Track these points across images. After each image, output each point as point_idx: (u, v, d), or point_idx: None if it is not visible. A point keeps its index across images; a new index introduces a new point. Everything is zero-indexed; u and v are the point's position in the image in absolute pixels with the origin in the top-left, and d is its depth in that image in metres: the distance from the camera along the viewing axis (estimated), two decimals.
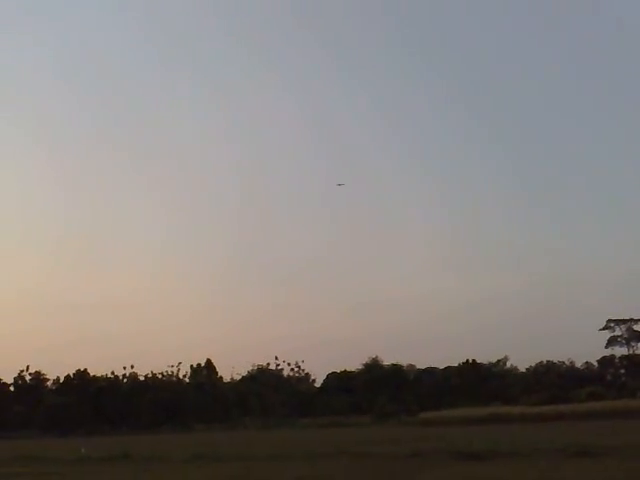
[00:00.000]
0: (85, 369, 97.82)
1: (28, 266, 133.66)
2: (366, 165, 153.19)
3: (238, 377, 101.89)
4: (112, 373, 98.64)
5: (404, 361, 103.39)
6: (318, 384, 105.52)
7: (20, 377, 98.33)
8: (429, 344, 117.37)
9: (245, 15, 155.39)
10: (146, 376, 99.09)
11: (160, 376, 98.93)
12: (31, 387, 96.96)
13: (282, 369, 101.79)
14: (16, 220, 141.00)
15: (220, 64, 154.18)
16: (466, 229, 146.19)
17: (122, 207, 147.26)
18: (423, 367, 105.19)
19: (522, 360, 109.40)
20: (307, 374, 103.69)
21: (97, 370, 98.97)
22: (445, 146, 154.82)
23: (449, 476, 21.79)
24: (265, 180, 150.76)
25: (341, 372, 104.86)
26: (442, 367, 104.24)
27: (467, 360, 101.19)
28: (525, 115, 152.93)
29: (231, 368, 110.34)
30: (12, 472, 28.82)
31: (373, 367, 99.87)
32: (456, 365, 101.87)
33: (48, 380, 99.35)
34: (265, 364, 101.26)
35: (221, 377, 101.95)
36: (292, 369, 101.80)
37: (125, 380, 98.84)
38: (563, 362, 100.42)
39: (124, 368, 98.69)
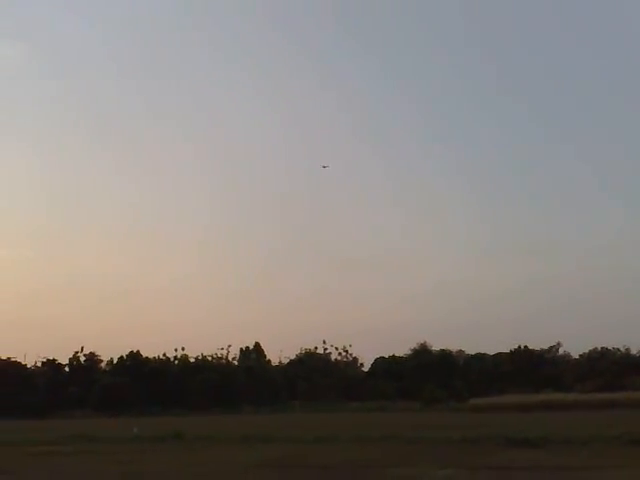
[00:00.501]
0: (137, 351, 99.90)
1: (83, 251, 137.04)
2: (413, 153, 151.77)
3: (286, 361, 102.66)
4: (164, 355, 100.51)
5: (453, 347, 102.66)
6: (366, 369, 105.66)
7: (75, 358, 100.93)
8: (479, 330, 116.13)
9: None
10: (196, 358, 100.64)
11: (210, 358, 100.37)
12: (85, 368, 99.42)
13: (330, 353, 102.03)
14: (76, 205, 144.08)
15: None
16: (515, 211, 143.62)
17: (168, 192, 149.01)
18: (473, 353, 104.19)
19: (575, 346, 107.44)
20: (355, 359, 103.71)
21: (149, 352, 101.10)
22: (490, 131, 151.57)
23: (500, 462, 21.40)
24: (313, 163, 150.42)
25: (389, 357, 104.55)
26: (492, 353, 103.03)
27: (519, 346, 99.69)
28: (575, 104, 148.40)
29: (279, 351, 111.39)
30: (69, 451, 29.55)
31: (422, 352, 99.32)
32: (507, 351, 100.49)
33: (102, 361, 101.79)
34: (313, 348, 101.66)
35: (269, 360, 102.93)
36: (340, 353, 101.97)
37: (176, 362, 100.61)
38: (618, 349, 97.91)
39: (175, 350, 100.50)
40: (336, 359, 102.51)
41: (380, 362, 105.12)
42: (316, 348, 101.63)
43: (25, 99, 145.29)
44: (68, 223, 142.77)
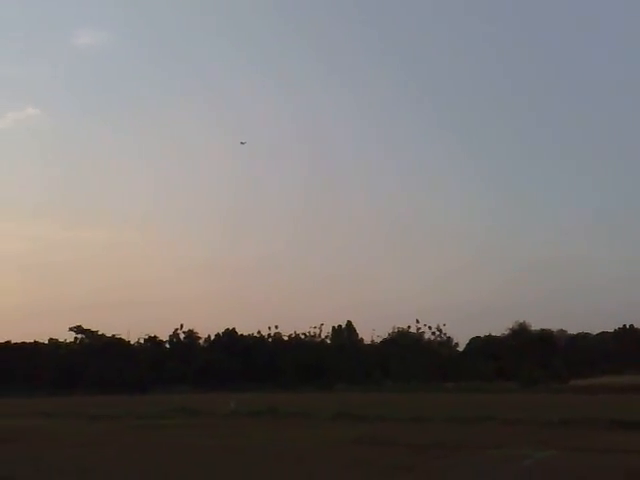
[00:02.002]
0: (233, 328, 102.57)
1: (183, 233, 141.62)
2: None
3: (379, 340, 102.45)
4: (258, 333, 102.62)
5: (554, 327, 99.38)
6: (461, 348, 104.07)
7: (175, 335, 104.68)
8: (580, 309, 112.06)
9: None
10: (289, 336, 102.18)
11: (303, 337, 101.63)
12: (184, 345, 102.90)
13: (423, 333, 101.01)
14: (185, 190, 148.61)
15: None
16: (617, 190, 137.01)
17: (261, 170, 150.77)
18: (574, 332, 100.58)
19: None
20: (449, 338, 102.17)
21: (244, 330, 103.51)
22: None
23: (602, 444, 20.39)
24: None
25: (485, 337, 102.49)
26: (595, 333, 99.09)
27: (624, 325, 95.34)
28: None
29: (372, 331, 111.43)
30: (171, 424, 30.53)
31: (520, 332, 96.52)
32: (611, 331, 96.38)
33: (200, 338, 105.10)
34: (406, 327, 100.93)
35: (362, 339, 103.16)
36: (433, 333, 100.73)
37: (270, 340, 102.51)
38: None
39: (269, 328, 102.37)
40: (429, 339, 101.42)
41: (476, 342, 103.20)
42: (409, 327, 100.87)
43: (122, 84, 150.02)
44: (169, 206, 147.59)
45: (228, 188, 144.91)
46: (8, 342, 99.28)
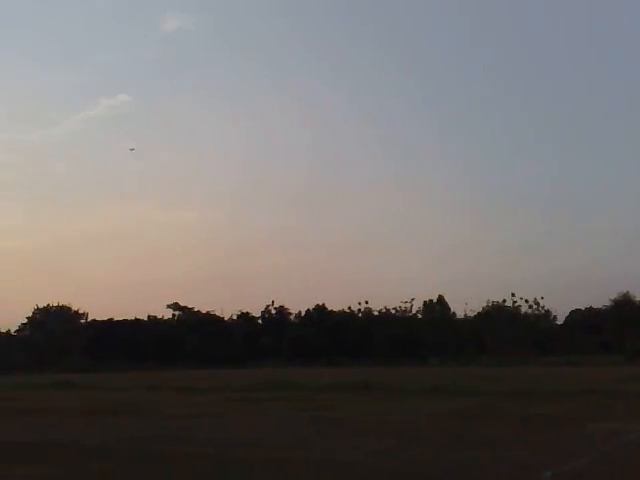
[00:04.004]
0: (323, 304, 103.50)
1: (266, 209, 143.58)
2: None
3: (472, 314, 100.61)
4: (348, 308, 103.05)
5: None
6: (559, 322, 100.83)
7: (267, 311, 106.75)
8: None
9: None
10: (380, 311, 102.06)
11: (393, 312, 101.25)
12: (276, 320, 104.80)
13: (519, 306, 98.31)
14: (257, 166, 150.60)
15: None
16: None
17: (339, 143, 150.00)
18: None
19: None
20: (547, 311, 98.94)
21: (334, 305, 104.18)
22: None
23: None
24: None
25: (586, 309, 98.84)
26: None
27: None
28: None
29: (464, 305, 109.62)
30: (265, 397, 31.02)
31: (623, 303, 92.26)
32: None
33: (291, 314, 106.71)
34: (501, 300, 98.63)
35: (454, 313, 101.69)
36: (530, 306, 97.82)
37: (360, 315, 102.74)
38: None
39: (359, 304, 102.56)
40: (526, 312, 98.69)
41: (576, 314, 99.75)
42: (504, 301, 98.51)
43: (209, 68, 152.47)
44: (257, 184, 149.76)
45: (314, 162, 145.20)
46: (111, 319, 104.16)
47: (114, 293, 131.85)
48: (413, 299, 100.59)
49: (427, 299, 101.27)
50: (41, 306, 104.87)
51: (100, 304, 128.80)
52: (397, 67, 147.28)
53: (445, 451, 14.59)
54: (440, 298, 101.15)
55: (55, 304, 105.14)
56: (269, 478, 12.06)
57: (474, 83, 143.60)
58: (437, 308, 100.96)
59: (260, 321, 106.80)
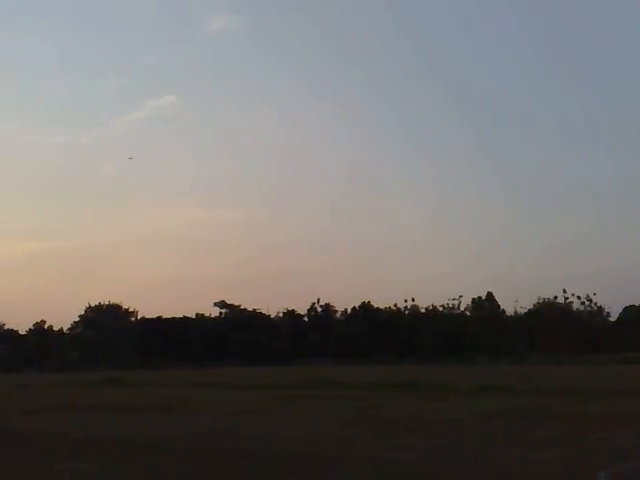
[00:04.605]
0: (369, 301, 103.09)
1: (317, 205, 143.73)
2: None
3: (522, 311, 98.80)
4: (394, 305, 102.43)
5: None
6: (613, 318, 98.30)
7: (312, 309, 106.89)
8: None
9: None
10: (426, 309, 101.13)
11: (441, 309, 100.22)
12: (322, 318, 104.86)
13: (571, 302, 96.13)
14: (304, 162, 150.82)
15: None
16: None
17: (392, 142, 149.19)
18: None
19: None
20: (600, 308, 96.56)
21: (380, 303, 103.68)
22: None
23: None
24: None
25: None
26: None
27: None
28: None
29: (514, 302, 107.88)
30: (312, 394, 30.94)
31: None
32: None
33: (337, 312, 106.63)
34: (552, 297, 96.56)
35: (503, 311, 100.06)
36: (582, 303, 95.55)
37: (407, 312, 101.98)
38: None
39: (405, 301, 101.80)
40: (578, 309, 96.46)
41: (629, 311, 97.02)
42: (556, 297, 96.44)
43: (252, 68, 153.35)
44: (293, 183, 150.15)
45: (356, 162, 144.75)
46: (160, 317, 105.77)
47: (163, 291, 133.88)
48: (461, 296, 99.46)
49: (475, 296, 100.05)
50: (93, 305, 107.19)
51: (149, 302, 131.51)
52: (432, 71, 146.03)
53: (495, 451, 14.22)
54: (489, 295, 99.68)
55: (106, 303, 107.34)
56: (317, 476, 11.92)
57: (508, 83, 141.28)
58: (486, 305, 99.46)
59: (306, 319, 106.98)
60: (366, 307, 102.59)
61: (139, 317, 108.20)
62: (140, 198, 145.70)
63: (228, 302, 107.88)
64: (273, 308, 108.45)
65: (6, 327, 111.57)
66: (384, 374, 44.60)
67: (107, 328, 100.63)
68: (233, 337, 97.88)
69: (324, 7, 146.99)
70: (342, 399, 28.28)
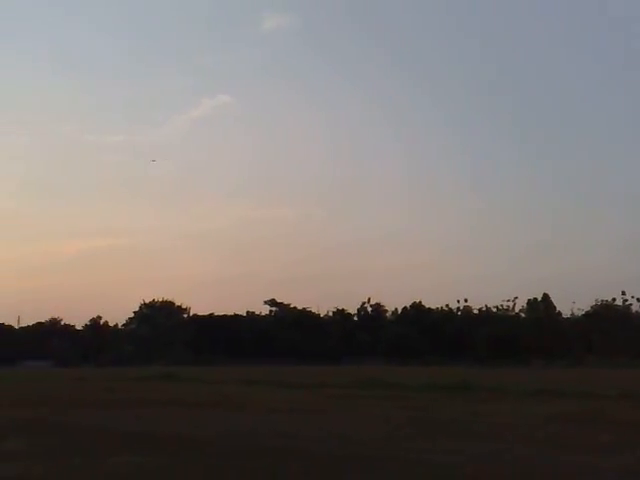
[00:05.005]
0: (420, 302, 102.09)
1: (368, 206, 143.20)
2: None
3: (579, 313, 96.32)
4: (447, 306, 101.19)
5: None
6: None
7: (362, 308, 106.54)
8: None
9: None
10: (480, 310, 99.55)
11: (495, 310, 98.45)
12: (372, 317, 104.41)
13: (630, 305, 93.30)
14: (356, 163, 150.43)
15: None
16: None
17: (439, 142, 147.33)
18: None
19: None
20: None
21: (431, 303, 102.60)
22: None
23: None
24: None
25: None
26: None
27: None
28: None
29: (571, 304, 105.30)
30: (362, 394, 30.69)
31: None
32: None
33: (387, 311, 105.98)
34: (610, 299, 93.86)
35: (559, 312, 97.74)
36: None
37: (459, 313, 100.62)
38: None
39: (458, 302, 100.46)
40: (637, 311, 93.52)
41: None
42: (614, 300, 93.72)
43: (308, 67, 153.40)
44: (345, 184, 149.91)
45: (408, 166, 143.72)
46: (211, 314, 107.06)
47: (215, 289, 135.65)
48: (516, 297, 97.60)
49: (531, 297, 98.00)
50: (147, 301, 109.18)
51: (202, 300, 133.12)
52: (477, 73, 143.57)
53: (548, 456, 13.73)
54: (545, 296, 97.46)
55: (160, 299, 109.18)
56: (364, 477, 11.71)
57: (554, 85, 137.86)
58: (541, 307, 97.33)
59: (356, 318, 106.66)
60: (417, 307, 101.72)
61: (191, 314, 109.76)
62: (195, 196, 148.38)
63: (278, 300, 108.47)
64: (323, 307, 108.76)
65: (63, 323, 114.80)
66: (435, 375, 44.00)
67: (160, 324, 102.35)
68: (283, 335, 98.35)
69: (378, 8, 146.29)
70: (392, 400, 27.91)
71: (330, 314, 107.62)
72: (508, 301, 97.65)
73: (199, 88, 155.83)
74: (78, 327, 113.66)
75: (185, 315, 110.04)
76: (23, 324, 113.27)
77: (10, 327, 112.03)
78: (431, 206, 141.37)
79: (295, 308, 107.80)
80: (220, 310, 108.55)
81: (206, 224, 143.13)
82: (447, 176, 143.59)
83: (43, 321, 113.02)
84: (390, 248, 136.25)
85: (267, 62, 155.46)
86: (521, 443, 15.69)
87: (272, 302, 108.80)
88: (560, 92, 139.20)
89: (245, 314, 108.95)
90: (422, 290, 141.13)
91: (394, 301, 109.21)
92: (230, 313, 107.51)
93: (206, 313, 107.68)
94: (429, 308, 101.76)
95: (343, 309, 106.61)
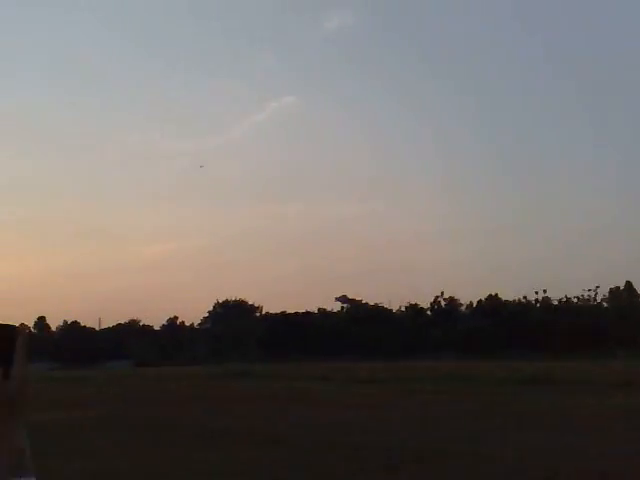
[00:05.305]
0: (496, 294, 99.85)
1: (436, 197, 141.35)
2: None
3: None
4: (524, 298, 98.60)
5: None
6: None
7: (436, 302, 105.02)
8: None
9: None
10: (559, 301, 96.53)
11: (575, 300, 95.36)
12: (446, 312, 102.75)
13: None
14: (422, 154, 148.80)
15: None
16: None
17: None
18: None
19: None
20: None
21: (508, 295, 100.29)
22: None
23: None
24: None
25: None
26: None
27: None
28: None
29: None
30: (440, 390, 29.96)
31: None
32: None
33: (461, 305, 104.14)
34: None
35: None
36: None
37: (537, 304, 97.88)
38: None
39: (535, 293, 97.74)
40: None
41: None
42: None
43: (372, 65, 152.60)
44: (415, 174, 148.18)
45: (474, 148, 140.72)
46: (283, 312, 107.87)
47: (285, 287, 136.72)
48: (597, 287, 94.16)
49: (613, 286, 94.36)
50: (221, 300, 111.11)
51: (273, 298, 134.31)
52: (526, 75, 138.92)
53: (633, 451, 12.86)
54: (627, 284, 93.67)
55: (233, 298, 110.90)
56: (440, 471, 11.24)
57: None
58: (624, 295, 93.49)
59: (429, 313, 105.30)
60: (493, 300, 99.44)
61: (263, 312, 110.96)
62: (263, 197, 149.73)
63: (350, 297, 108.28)
64: (395, 302, 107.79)
65: (142, 323, 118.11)
66: (514, 369, 42.67)
67: (233, 323, 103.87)
68: (355, 331, 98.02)
69: (442, 7, 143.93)
70: (469, 394, 27.16)
71: (403, 309, 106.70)
72: (589, 290, 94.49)
73: (264, 90, 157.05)
74: (156, 327, 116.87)
75: (257, 314, 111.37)
76: (104, 326, 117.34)
77: (92, 329, 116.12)
78: (496, 193, 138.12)
79: (367, 304, 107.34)
80: (291, 308, 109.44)
81: (274, 223, 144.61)
82: (514, 161, 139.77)
83: (122, 322, 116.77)
84: (462, 239, 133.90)
85: (329, 61, 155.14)
86: (603, 437, 14.84)
87: (343, 298, 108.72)
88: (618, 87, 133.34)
89: (316, 311, 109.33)
90: (498, 282, 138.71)
91: (468, 294, 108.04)
92: (301, 311, 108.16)
93: (278, 311, 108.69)
94: (505, 300, 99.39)
95: (416, 304, 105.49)
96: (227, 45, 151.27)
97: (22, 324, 1.11)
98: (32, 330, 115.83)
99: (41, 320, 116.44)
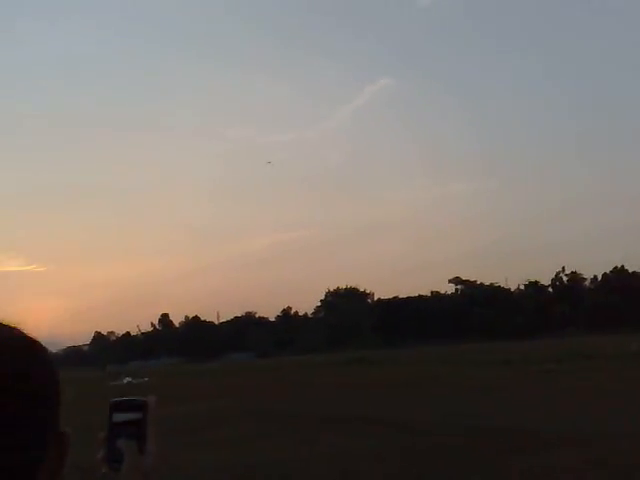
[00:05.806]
0: (622, 266, 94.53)
1: (551, 173, 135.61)
2: None
3: None
4: None
5: None
6: None
7: (557, 279, 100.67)
8: None
9: None
10: None
11: None
12: (569, 287, 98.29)
13: None
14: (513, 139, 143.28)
15: None
16: None
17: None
18: None
19: None
20: None
21: (638, 267, 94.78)
22: None
23: None
24: None
25: None
26: None
27: None
28: None
29: None
30: (566, 369, 28.44)
31: None
32: None
33: (585, 279, 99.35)
34: None
35: None
36: None
37: None
38: None
39: None
40: None
41: None
42: None
43: (465, 44, 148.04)
44: (524, 153, 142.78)
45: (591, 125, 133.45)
46: (395, 297, 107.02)
47: (396, 272, 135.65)
48: None
49: None
50: (332, 289, 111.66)
51: (384, 284, 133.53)
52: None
53: None
54: None
55: (344, 287, 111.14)
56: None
57: None
58: None
59: (550, 289, 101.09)
60: (619, 272, 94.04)
61: (375, 299, 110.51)
62: (368, 184, 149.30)
63: (463, 278, 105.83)
64: (512, 280, 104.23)
65: (257, 315, 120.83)
66: None
67: (346, 311, 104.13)
68: (473, 313, 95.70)
69: None
70: (601, 372, 25.46)
71: (522, 287, 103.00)
72: None
73: (360, 75, 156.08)
74: (271, 319, 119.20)
75: (369, 300, 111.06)
76: (222, 319, 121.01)
77: (211, 323, 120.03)
78: (619, 160, 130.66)
79: (482, 284, 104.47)
80: (402, 293, 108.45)
81: (381, 209, 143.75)
82: (631, 129, 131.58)
83: (240, 315, 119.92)
84: (581, 213, 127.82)
85: (423, 41, 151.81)
86: None
87: (457, 280, 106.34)
88: None
89: (429, 294, 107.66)
90: (624, 253, 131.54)
91: (593, 268, 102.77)
92: (414, 295, 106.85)
93: (390, 296, 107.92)
94: (635, 272, 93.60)
95: (536, 281, 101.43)
96: (319, 33, 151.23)
97: (150, 396, 1.07)
98: (157, 327, 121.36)
99: (165, 317, 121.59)
